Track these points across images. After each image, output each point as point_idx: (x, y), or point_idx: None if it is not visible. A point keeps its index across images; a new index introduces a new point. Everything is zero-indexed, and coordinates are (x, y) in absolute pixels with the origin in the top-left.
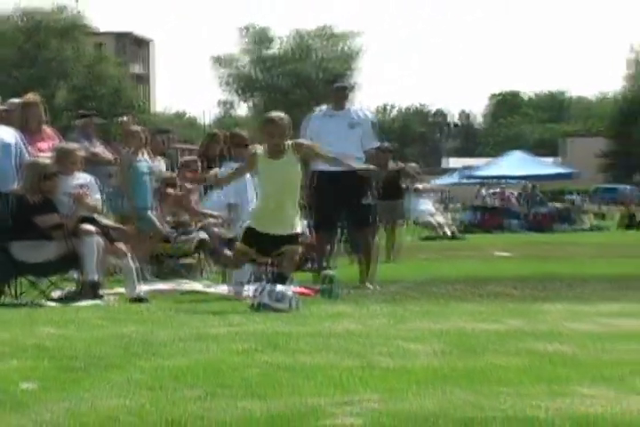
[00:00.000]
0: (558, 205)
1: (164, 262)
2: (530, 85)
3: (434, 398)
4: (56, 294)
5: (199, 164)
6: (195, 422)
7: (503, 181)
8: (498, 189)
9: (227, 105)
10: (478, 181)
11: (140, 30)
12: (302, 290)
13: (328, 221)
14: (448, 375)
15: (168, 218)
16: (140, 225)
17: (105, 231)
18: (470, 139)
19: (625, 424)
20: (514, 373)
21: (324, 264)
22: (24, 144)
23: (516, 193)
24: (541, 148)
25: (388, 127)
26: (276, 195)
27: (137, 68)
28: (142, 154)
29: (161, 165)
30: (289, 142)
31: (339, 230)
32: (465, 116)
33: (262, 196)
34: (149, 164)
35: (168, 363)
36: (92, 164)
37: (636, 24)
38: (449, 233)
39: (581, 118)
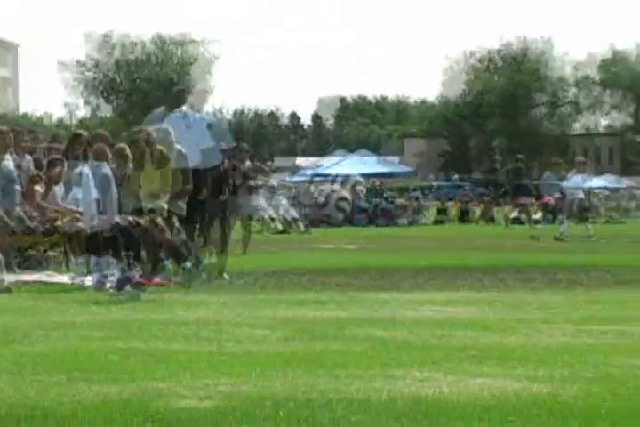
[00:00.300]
0: (402, 200)
1: (30, 255)
2: (376, 89)
3: (279, 382)
4: None
5: (64, 162)
6: (54, 407)
7: (352, 178)
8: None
9: (91, 106)
10: (329, 178)
11: (6, 35)
12: (160, 281)
13: (186, 216)
14: (292, 360)
15: (34, 213)
16: (6, 220)
17: None
18: (322, 139)
19: (460, 406)
20: (352, 357)
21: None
22: None
23: (364, 190)
24: (385, 148)
25: (246, 128)
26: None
27: (4, 72)
28: (9, 153)
29: (28, 163)
30: (157, 150)
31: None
32: (317, 117)
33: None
34: (16, 162)
35: (29, 350)
36: None
37: (450, 35)
38: (302, 228)
39: (423, 120)
